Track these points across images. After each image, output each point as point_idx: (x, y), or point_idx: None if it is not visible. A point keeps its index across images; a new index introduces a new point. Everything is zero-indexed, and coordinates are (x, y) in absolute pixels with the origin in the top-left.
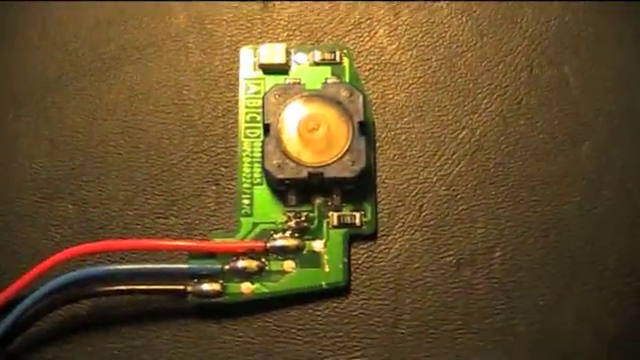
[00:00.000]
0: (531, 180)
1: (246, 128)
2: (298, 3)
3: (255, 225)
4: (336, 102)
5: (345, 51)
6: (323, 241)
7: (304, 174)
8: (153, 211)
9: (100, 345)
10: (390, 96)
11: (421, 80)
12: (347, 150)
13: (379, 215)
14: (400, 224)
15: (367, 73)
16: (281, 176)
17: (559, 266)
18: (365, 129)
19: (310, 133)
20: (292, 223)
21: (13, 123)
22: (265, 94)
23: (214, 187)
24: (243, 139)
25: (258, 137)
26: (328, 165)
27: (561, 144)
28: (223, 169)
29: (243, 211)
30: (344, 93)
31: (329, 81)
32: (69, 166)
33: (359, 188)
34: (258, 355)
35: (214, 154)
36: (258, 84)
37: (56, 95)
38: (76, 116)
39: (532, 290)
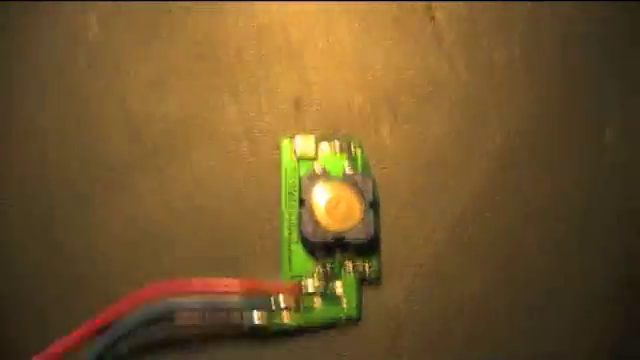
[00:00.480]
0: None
1: (286, 201)
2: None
3: (292, 274)
4: (353, 184)
5: (356, 142)
6: (341, 284)
7: (330, 237)
8: (217, 265)
9: None
10: (391, 179)
11: (415, 165)
12: (361, 220)
13: (382, 265)
14: (398, 272)
15: (374, 161)
16: (313, 239)
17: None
18: (373, 205)
19: (334, 208)
20: (319, 271)
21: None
22: (301, 177)
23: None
24: (284, 209)
25: (294, 208)
26: (347, 232)
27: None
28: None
29: (285, 264)
30: (358, 178)
31: (347, 170)
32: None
33: (368, 246)
34: None
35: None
36: (294, 168)
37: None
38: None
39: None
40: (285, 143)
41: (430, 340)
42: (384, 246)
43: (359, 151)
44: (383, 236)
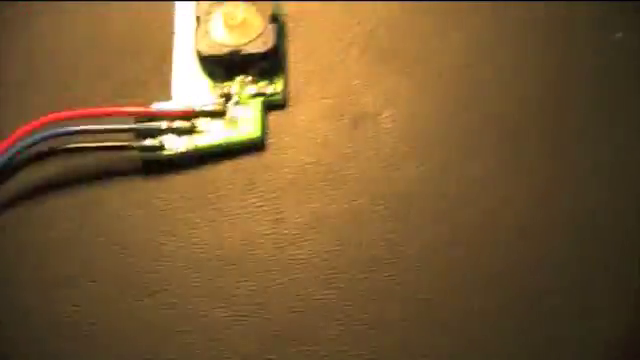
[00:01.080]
0: None
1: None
2: None
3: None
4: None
5: None
6: (243, 107)
7: (226, 52)
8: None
9: (58, 201)
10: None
11: None
12: (260, 34)
13: (289, 89)
14: (309, 95)
15: None
16: (207, 54)
17: None
18: (276, 19)
19: (232, 22)
20: (218, 93)
21: None
22: None
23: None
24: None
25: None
26: (245, 45)
27: None
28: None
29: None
30: None
31: None
32: None
33: (272, 66)
34: (193, 202)
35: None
36: None
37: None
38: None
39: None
40: None
41: (340, 170)
42: (295, 71)
43: None
44: (292, 58)
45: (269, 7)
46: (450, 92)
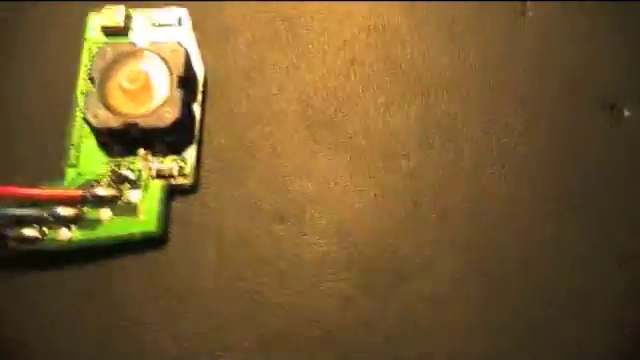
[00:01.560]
0: None
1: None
2: None
3: (79, 175)
4: (161, 57)
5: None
6: (141, 191)
7: (121, 124)
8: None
9: None
10: (226, 59)
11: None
12: (164, 102)
13: (202, 170)
14: (223, 179)
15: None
16: (99, 126)
17: None
18: (187, 83)
19: (130, 86)
20: (113, 173)
21: None
22: (96, 52)
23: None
24: (79, 95)
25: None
26: (145, 115)
27: None
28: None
29: (69, 161)
30: (168, 50)
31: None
32: None
33: (180, 140)
34: (77, 298)
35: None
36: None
37: None
38: None
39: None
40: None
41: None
42: (207, 144)
43: (188, 23)
44: (208, 129)
45: (177, 65)
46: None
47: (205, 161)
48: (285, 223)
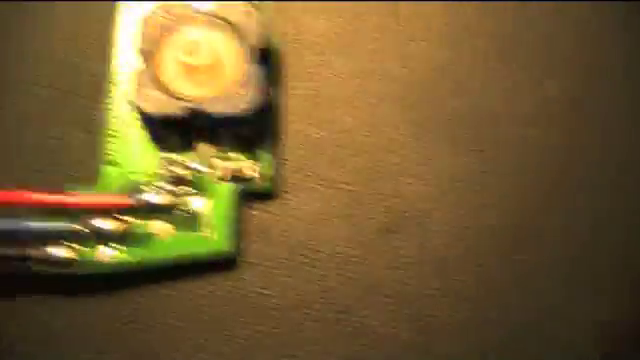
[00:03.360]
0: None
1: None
2: None
3: (122, 176)
4: (229, 23)
5: None
6: (206, 198)
7: (183, 110)
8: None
9: None
10: (308, 24)
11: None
12: (238, 82)
13: (282, 170)
14: (311, 179)
15: None
16: (153, 112)
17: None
18: (265, 57)
19: (192, 59)
20: (167, 174)
21: None
22: (146, 15)
23: (81, 135)
24: (115, 71)
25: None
26: (214, 100)
27: None
28: (93, 111)
29: (108, 158)
30: (239, 13)
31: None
32: None
33: (256, 132)
34: (115, 342)
35: (84, 94)
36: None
37: None
38: None
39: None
40: None
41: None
42: (288, 134)
43: None
44: (289, 115)
45: (252, 32)
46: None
47: (286, 157)
48: (396, 234)
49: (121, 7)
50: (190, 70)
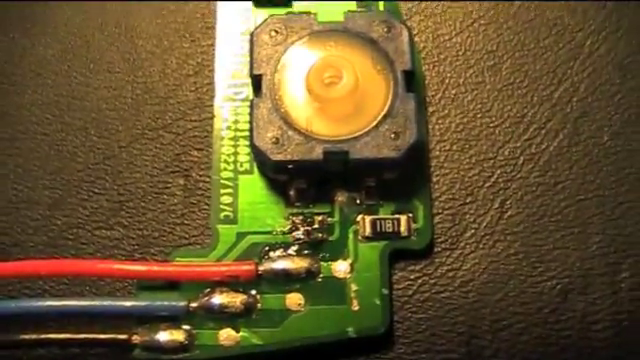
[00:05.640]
0: None
1: (228, 87)
2: None
3: (241, 236)
4: (368, 40)
5: None
6: (349, 262)
7: (317, 154)
8: (91, 218)
9: None
10: (445, 38)
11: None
12: (386, 115)
13: (436, 220)
14: (470, 233)
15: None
16: (280, 158)
17: None
18: (413, 82)
19: (327, 89)
20: (300, 233)
21: None
22: (254, 31)
23: (181, 180)
24: (222, 103)
25: (245, 100)
26: (355, 139)
27: None
28: (195, 152)
29: (222, 215)
30: (380, 27)
31: (355, 16)
32: None
33: (405, 177)
34: None
35: (181, 131)
36: (246, 21)
37: None
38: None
39: None
40: None
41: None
42: (438, 178)
43: None
44: (436, 154)
45: (400, 52)
46: None
47: (437, 207)
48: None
49: (221, 17)
50: (323, 102)
